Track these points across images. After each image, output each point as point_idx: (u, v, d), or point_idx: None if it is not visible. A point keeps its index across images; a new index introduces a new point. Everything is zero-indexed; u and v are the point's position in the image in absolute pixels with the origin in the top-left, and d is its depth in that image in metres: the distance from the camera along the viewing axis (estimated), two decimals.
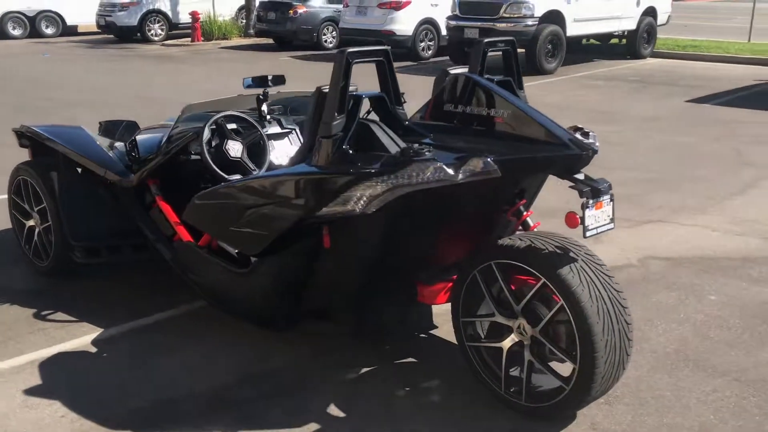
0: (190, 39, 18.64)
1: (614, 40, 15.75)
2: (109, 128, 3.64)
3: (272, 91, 4.13)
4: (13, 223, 4.44)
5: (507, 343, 2.93)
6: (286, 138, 4.07)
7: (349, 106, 2.83)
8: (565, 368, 2.79)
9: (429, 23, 15.12)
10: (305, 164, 2.88)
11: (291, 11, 16.64)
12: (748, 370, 3.27)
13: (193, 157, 3.76)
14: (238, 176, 3.66)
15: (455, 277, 3.16)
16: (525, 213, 3.18)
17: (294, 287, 3.11)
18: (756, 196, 5.92)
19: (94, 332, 3.64)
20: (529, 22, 12.64)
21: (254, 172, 3.73)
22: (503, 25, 12.70)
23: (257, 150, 3.81)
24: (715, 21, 23.50)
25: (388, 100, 3.03)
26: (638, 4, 14.69)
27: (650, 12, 15.06)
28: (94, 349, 3.50)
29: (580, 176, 2.69)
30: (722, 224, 5.20)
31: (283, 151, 3.94)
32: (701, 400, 3.04)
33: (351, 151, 2.77)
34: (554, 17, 12.92)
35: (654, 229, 5.12)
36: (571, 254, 2.71)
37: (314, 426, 2.89)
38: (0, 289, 4.14)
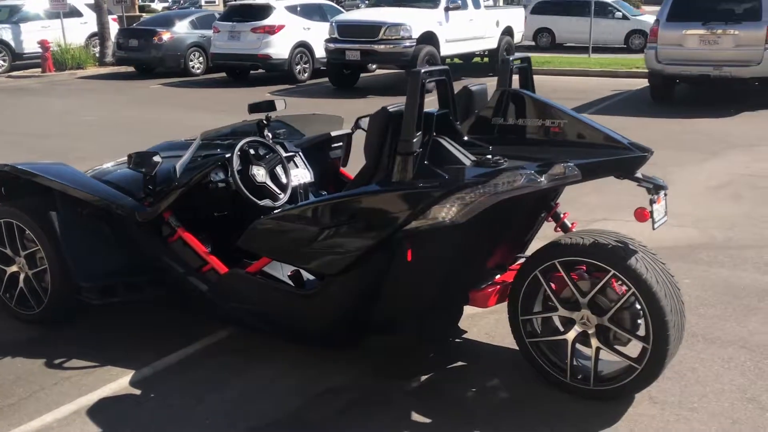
0: (40, 70, 17.50)
1: (476, 59, 16.74)
2: (141, 160, 3.48)
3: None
4: None
5: (571, 335, 3.18)
6: (292, 161, 4.10)
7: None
8: (631, 350, 3.08)
9: (303, 46, 15.27)
10: (384, 182, 2.97)
11: (155, 38, 16.16)
12: (747, 338, 3.74)
13: (211, 185, 3.71)
14: (267, 201, 3.66)
15: (499, 279, 3.38)
16: (563, 215, 3.45)
17: (364, 303, 3.17)
18: (674, 191, 6.61)
19: (125, 375, 3.47)
20: (407, 43, 13.14)
21: (280, 196, 3.74)
22: (383, 47, 13.13)
23: (278, 174, 3.83)
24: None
25: (451, 116, 3.20)
26: (498, 24, 15.73)
27: (508, 32, 16.17)
28: (137, 391, 3.35)
29: (638, 175, 3.00)
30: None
31: (292, 174, 3.97)
32: (726, 368, 3.45)
33: (431, 166, 2.92)
34: (429, 38, 13.53)
35: (604, 227, 5.60)
36: (631, 246, 3.01)
37: None
38: None
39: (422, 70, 2.94)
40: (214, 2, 51.60)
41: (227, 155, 3.67)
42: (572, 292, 3.13)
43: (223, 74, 16.27)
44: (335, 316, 3.23)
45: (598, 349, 3.13)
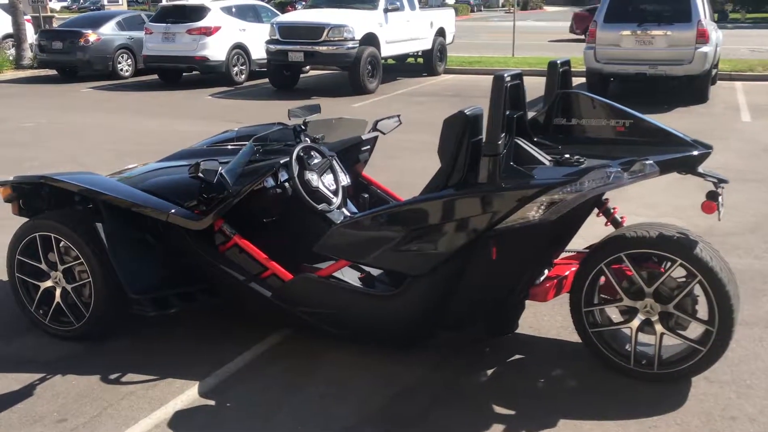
0: None
1: (410, 60, 16.99)
2: (207, 170, 3.39)
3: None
4: (17, 288, 3.92)
5: (635, 323, 3.37)
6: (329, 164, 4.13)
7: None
8: (691, 333, 3.31)
9: (240, 48, 15.07)
10: (470, 183, 3.07)
11: (81, 40, 15.54)
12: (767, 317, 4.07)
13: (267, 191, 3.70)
14: (325, 205, 3.68)
15: (552, 273, 3.55)
16: (613, 210, 3.65)
17: (443, 302, 3.26)
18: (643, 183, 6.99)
19: (191, 386, 3.42)
20: (350, 44, 13.20)
21: (333, 200, 3.77)
22: (326, 48, 13.14)
23: (327, 178, 3.86)
24: (476, 39, 26.01)
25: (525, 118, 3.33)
26: (432, 25, 16.02)
27: (441, 33, 16.48)
28: (210, 402, 3.31)
29: (700, 170, 3.23)
30: (641, 210, 6.14)
31: (331, 178, 4.01)
32: (762, 347, 3.75)
33: (516, 166, 3.04)
34: (371, 40, 13.65)
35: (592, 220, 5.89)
36: (692, 237, 3.24)
37: (497, 427, 3.09)
38: (28, 361, 3.67)
39: (505, 75, 3.05)
40: (118, 2, 50.00)
41: (283, 161, 3.67)
42: (637, 282, 3.32)
43: (154, 77, 15.84)
44: (415, 315, 3.31)
45: (662, 335, 3.34)
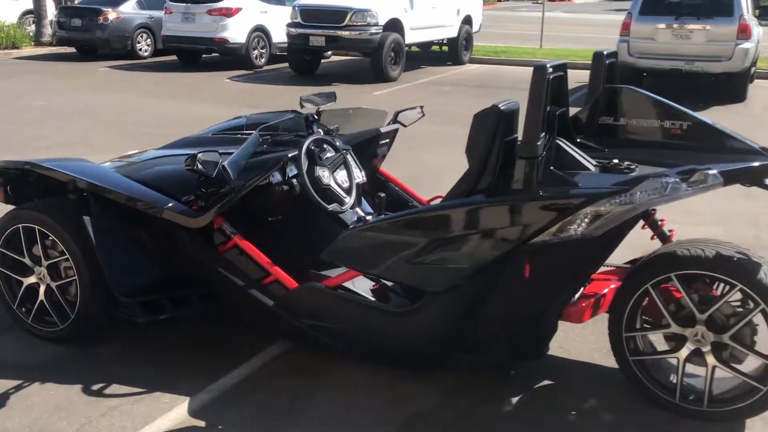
0: None
1: (435, 48, 16.52)
2: (207, 162, 3.01)
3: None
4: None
5: (683, 353, 2.97)
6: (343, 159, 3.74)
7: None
8: (747, 368, 2.90)
9: (260, 30, 14.69)
10: (503, 189, 2.68)
11: (101, 18, 15.24)
12: None
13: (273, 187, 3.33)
14: (336, 205, 3.30)
15: (588, 291, 3.14)
16: (661, 222, 3.24)
17: (466, 321, 2.87)
18: None
19: (181, 403, 3.07)
20: (374, 30, 12.78)
21: (345, 200, 3.39)
22: (348, 33, 12.73)
23: (341, 175, 3.48)
24: (503, 29, 25.46)
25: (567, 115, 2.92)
26: (458, 13, 15.53)
27: (467, 20, 15.99)
28: (200, 423, 2.95)
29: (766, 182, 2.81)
30: (679, 216, 5.69)
31: (345, 174, 3.62)
32: None
33: (558, 172, 2.64)
34: (395, 26, 13.21)
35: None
36: (754, 259, 2.82)
37: None
38: (5, 365, 3.34)
39: (548, 64, 2.64)
40: None
41: (291, 154, 3.30)
42: (687, 306, 2.92)
43: (173, 57, 15.51)
44: (433, 336, 2.93)
45: (714, 368, 2.93)
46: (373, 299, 3.06)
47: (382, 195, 3.51)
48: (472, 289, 2.77)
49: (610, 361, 3.38)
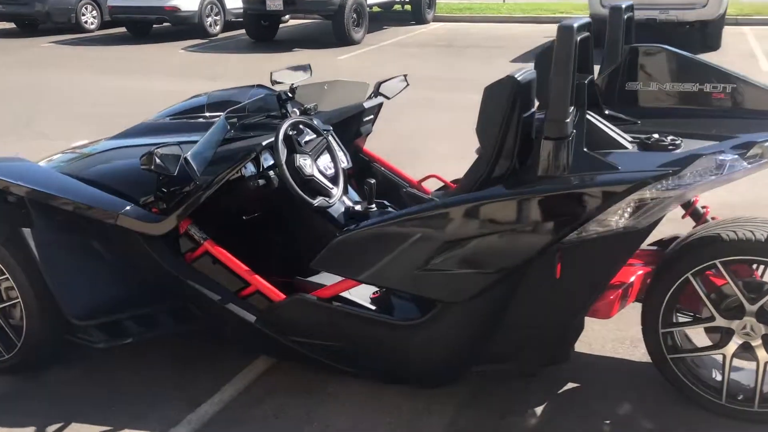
0: None
1: (397, 7, 15.91)
2: (166, 159, 2.50)
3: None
4: None
5: (731, 348, 2.60)
6: (326, 143, 3.27)
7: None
8: None
9: None
10: (526, 177, 2.23)
11: None
12: None
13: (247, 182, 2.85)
14: (322, 198, 2.84)
15: (615, 282, 2.75)
16: (694, 200, 2.84)
17: (486, 332, 2.46)
18: None
19: None
20: None
21: (332, 192, 2.93)
22: None
23: (324, 162, 3.01)
24: None
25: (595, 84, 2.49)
26: None
27: None
28: None
29: None
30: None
31: (328, 160, 3.16)
32: None
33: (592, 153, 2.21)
34: None
35: None
36: None
37: None
38: None
39: (575, 24, 2.19)
40: None
41: (265, 142, 2.82)
42: (733, 295, 2.55)
43: (122, 30, 14.66)
44: (448, 349, 2.50)
45: (766, 364, 2.58)
46: (375, 310, 2.62)
47: (372, 182, 3.06)
48: (493, 296, 2.35)
49: (636, 354, 3.06)
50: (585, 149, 2.20)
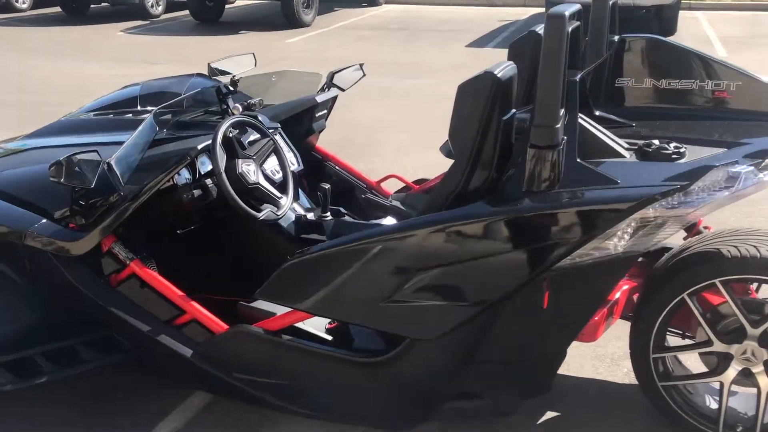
0: None
1: None
2: (79, 169, 2.09)
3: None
4: None
5: (729, 374, 2.34)
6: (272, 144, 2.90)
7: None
8: None
9: None
10: (510, 192, 1.90)
11: None
12: None
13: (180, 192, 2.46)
14: (269, 209, 2.47)
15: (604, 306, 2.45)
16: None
17: (460, 368, 2.13)
18: None
19: None
20: None
21: (281, 202, 2.56)
22: None
23: (271, 167, 2.64)
24: None
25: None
26: None
27: None
28: None
29: None
30: None
31: (276, 162, 2.78)
32: None
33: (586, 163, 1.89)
34: None
35: None
36: None
37: None
38: None
39: (566, 12, 1.85)
40: None
41: (201, 145, 2.44)
42: (732, 316, 2.28)
43: (57, 9, 13.85)
44: (416, 388, 2.17)
45: None
46: (331, 344, 2.27)
47: (327, 187, 2.70)
48: (470, 329, 2.02)
49: (617, 373, 2.82)
50: (578, 159, 1.88)
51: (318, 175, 3.39)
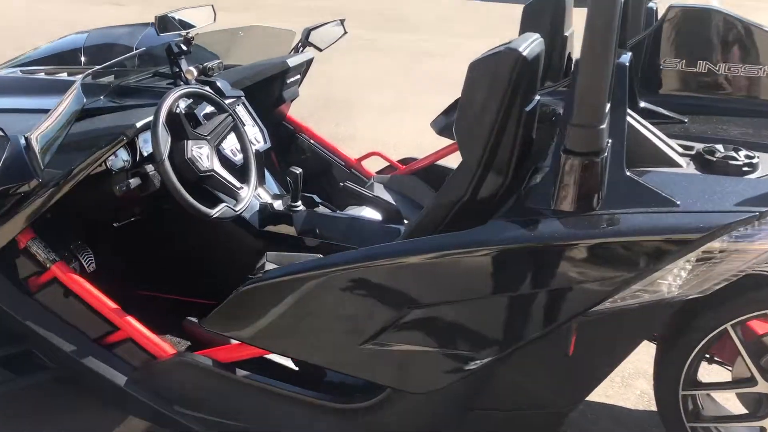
0: None
1: None
2: None
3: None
4: None
5: None
6: (237, 115, 2.42)
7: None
8: None
9: None
10: (531, 208, 1.46)
11: None
12: None
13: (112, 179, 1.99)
14: (225, 206, 2.01)
15: None
16: None
17: (458, 419, 1.71)
18: None
19: None
20: None
21: (240, 193, 2.10)
22: None
23: (230, 148, 2.17)
24: None
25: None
26: None
27: None
28: None
29: None
30: None
31: (234, 141, 2.30)
32: None
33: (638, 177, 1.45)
34: None
35: None
36: None
37: None
38: None
39: None
40: None
41: (140, 122, 1.96)
42: None
43: None
44: None
45: None
46: (296, 382, 1.83)
47: (298, 171, 2.25)
48: (473, 378, 1.60)
49: (630, 396, 2.49)
50: (627, 171, 1.44)
51: (289, 150, 2.93)
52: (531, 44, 1.55)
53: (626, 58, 1.57)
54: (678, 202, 1.41)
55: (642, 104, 1.78)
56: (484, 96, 1.52)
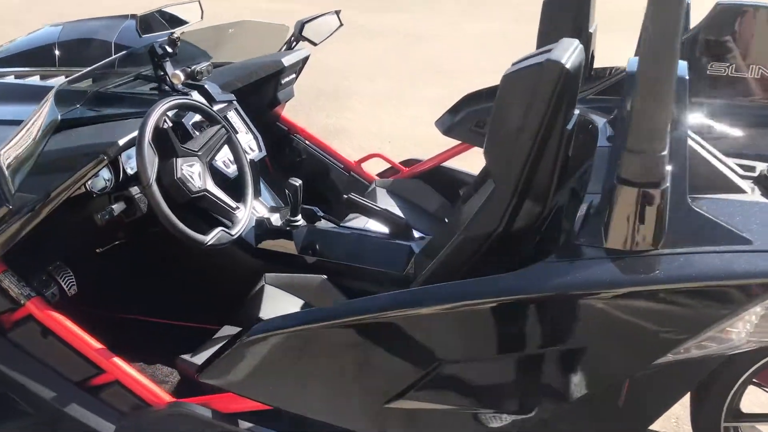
0: None
1: None
2: None
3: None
4: None
5: None
6: (229, 122, 2.21)
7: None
8: None
9: None
10: (581, 245, 1.26)
11: None
12: None
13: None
14: (220, 230, 1.81)
15: None
16: None
17: None
18: None
19: None
20: None
21: (235, 214, 1.90)
22: None
23: (222, 163, 1.96)
24: None
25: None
26: None
27: None
28: None
29: None
30: None
31: (227, 152, 2.09)
32: None
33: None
34: None
35: None
36: None
37: None
38: None
39: None
40: None
41: (122, 140, 1.75)
42: None
43: None
44: None
45: None
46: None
47: (298, 183, 2.05)
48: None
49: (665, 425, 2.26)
50: (691, 204, 1.25)
51: (283, 153, 2.72)
52: (573, 53, 1.35)
53: (684, 68, 1.37)
54: (751, 239, 1.23)
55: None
56: (521, 113, 1.32)
